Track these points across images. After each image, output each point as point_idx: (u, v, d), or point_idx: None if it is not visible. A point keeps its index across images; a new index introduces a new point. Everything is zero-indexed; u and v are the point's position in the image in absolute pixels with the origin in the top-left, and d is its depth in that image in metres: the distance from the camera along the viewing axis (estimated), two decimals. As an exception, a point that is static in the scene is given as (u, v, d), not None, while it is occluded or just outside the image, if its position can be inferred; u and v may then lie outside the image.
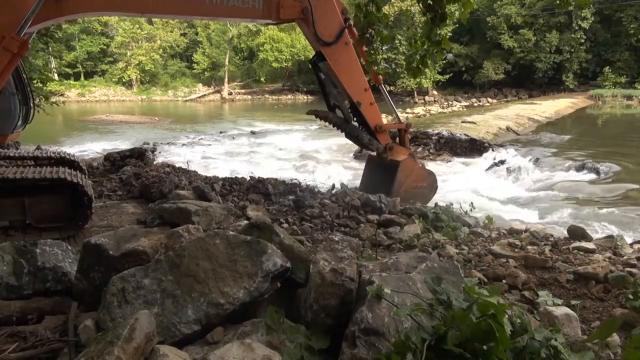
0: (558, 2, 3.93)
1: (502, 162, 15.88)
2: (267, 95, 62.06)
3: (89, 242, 3.34)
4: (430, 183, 8.95)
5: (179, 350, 2.40)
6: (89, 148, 19.98)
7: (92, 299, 3.10)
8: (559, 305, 3.67)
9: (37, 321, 3.05)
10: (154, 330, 2.35)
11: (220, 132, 26.66)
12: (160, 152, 18.27)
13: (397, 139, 9.11)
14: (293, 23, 8.43)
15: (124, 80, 60.30)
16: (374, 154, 9.08)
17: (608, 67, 46.91)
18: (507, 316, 2.30)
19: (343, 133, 8.88)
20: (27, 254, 3.40)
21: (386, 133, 8.63)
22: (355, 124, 8.64)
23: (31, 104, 7.95)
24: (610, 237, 6.32)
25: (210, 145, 22.09)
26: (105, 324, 2.62)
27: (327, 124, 9.17)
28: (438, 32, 4.25)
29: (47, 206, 5.63)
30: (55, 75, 48.46)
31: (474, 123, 22.71)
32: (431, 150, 18.38)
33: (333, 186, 9.47)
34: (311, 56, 8.68)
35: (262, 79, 61.64)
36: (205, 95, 61.77)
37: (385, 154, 8.60)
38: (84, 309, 3.15)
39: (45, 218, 5.61)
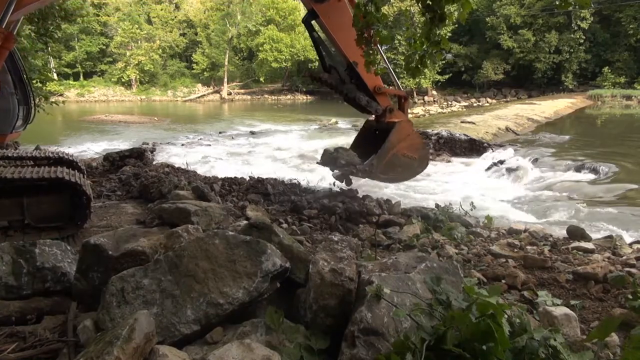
0: (558, 2, 3.92)
1: (501, 162, 15.88)
2: (266, 96, 62.08)
3: (88, 242, 3.34)
4: (422, 156, 8.25)
5: (179, 351, 2.40)
6: (88, 148, 19.96)
7: (92, 299, 3.10)
8: (558, 305, 3.68)
9: (36, 321, 3.05)
10: (154, 331, 2.35)
11: (220, 132, 26.66)
12: (159, 152, 18.26)
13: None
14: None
15: (123, 80, 60.33)
16: (372, 118, 8.58)
17: (607, 67, 46.97)
18: (506, 316, 2.30)
19: (340, 95, 8.23)
20: (26, 254, 3.40)
21: (386, 96, 8.01)
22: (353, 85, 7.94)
23: (32, 104, 7.91)
24: (609, 237, 6.33)
25: (209, 145, 22.07)
26: (105, 324, 2.62)
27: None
28: (437, 32, 4.24)
29: (46, 206, 5.62)
30: (55, 75, 48.43)
31: (473, 123, 22.72)
32: (430, 151, 18.39)
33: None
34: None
35: (261, 79, 61.65)
36: (204, 95, 61.79)
37: (383, 118, 8.01)
38: (83, 309, 3.15)
39: (44, 218, 5.60)
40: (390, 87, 8.62)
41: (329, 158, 8.19)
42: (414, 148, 8.04)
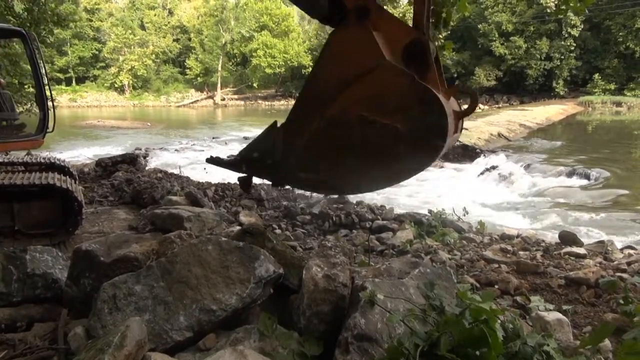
0: (553, 10, 3.98)
1: (493, 167, 15.98)
2: (260, 101, 62.09)
3: (79, 249, 3.31)
4: (424, 126, 2.37)
5: (171, 358, 2.38)
6: (80, 153, 19.84)
7: (83, 306, 3.07)
8: (550, 310, 3.69)
9: (27, 329, 3.01)
10: (146, 338, 2.33)
11: (213, 138, 26.61)
12: (152, 158, 18.18)
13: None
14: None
15: (116, 85, 60.14)
16: None
17: (597, 74, 47.51)
18: (499, 322, 2.30)
19: None
20: (16, 261, 3.37)
21: None
22: None
23: (48, 110, 6.85)
24: (600, 243, 6.38)
25: (202, 150, 21.99)
26: (96, 331, 2.59)
27: None
28: (439, 36, 4.27)
29: (36, 212, 5.57)
30: (47, 80, 48.09)
31: (466, 129, 22.78)
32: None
33: None
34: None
35: (255, 85, 61.69)
36: (197, 100, 61.69)
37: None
38: (74, 316, 3.12)
39: (34, 224, 5.55)
40: None
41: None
42: (391, 104, 2.42)
